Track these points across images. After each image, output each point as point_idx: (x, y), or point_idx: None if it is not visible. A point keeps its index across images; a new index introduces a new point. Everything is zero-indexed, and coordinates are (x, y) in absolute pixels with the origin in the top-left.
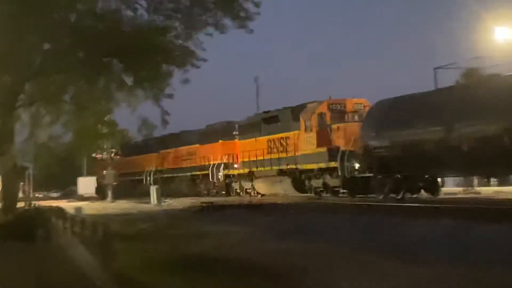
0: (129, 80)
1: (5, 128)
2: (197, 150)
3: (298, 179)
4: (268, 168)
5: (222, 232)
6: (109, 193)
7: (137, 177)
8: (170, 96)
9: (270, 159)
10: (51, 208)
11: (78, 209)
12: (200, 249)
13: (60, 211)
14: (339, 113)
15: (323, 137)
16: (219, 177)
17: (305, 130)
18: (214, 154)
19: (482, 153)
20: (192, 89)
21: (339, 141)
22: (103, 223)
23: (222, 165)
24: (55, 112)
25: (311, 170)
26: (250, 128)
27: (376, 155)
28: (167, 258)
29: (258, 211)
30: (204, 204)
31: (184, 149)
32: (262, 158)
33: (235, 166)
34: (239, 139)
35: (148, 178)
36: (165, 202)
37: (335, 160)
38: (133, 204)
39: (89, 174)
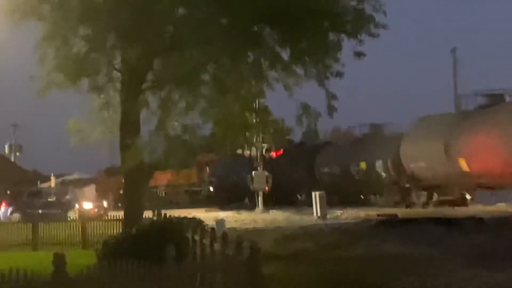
0: (285, 54)
1: (129, 115)
2: None
3: None
4: None
5: (404, 255)
6: (259, 201)
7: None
8: (339, 74)
9: None
10: (185, 220)
11: (220, 222)
12: (375, 278)
13: (197, 223)
14: None
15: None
16: None
17: None
18: None
19: None
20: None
21: None
22: (250, 240)
23: None
24: (191, 96)
25: None
26: None
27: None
28: None
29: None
30: (382, 217)
31: None
32: None
33: None
34: None
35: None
36: (331, 213)
37: None
38: (290, 215)
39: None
